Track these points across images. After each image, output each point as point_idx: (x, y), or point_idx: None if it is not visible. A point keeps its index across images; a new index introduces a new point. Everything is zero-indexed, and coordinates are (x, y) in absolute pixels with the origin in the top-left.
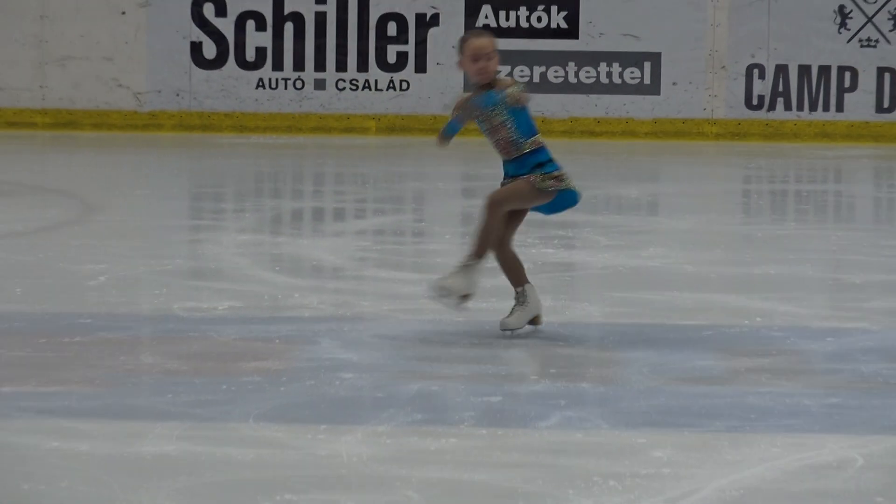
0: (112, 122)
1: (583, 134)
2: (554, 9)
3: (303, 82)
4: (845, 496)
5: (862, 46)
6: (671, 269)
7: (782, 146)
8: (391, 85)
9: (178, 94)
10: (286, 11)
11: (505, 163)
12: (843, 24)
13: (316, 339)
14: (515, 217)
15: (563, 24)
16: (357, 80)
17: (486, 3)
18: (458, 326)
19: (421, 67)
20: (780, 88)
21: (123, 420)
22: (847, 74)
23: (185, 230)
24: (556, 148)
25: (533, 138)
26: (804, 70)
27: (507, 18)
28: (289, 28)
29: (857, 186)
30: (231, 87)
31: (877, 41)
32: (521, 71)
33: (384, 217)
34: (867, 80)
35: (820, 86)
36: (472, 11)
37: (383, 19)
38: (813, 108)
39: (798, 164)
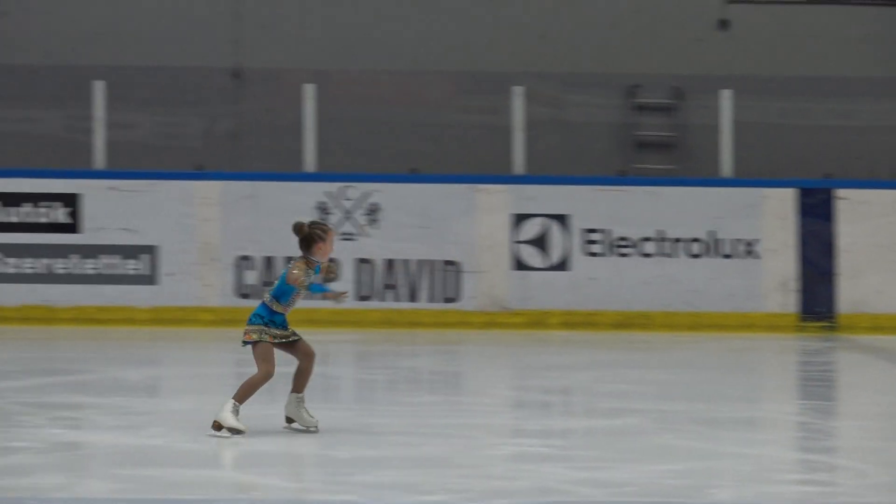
0: None
1: (87, 321)
2: (57, 205)
3: None
4: None
5: (343, 240)
6: (171, 448)
7: None
8: None
9: None
10: None
11: (280, 315)
12: (323, 220)
13: None
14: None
15: (67, 220)
16: None
17: None
18: None
19: None
20: (268, 278)
21: None
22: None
23: None
24: (62, 334)
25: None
26: (289, 261)
27: (14, 214)
28: None
29: (340, 369)
30: None
31: (355, 235)
32: (29, 263)
33: None
34: (347, 270)
35: None
36: None
37: None
38: None
39: None
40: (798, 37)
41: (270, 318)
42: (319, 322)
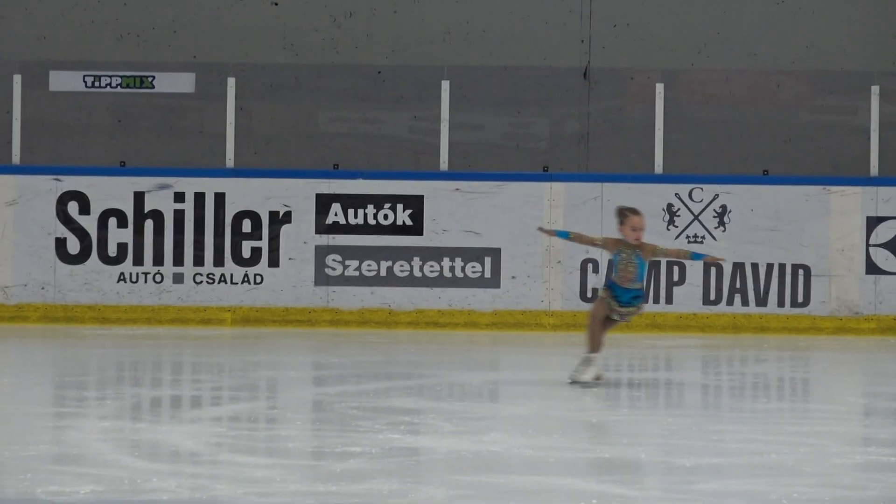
0: None
1: (427, 325)
2: (399, 207)
3: (162, 276)
4: None
5: (689, 242)
6: (511, 454)
7: (615, 336)
8: (246, 279)
9: (43, 288)
10: (146, 209)
11: (618, 287)
12: (671, 222)
13: None
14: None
15: (409, 222)
16: (213, 274)
17: (336, 201)
18: None
19: (274, 262)
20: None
21: None
22: (675, 268)
23: (48, 417)
24: (402, 338)
25: (643, 281)
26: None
27: (356, 216)
28: (149, 225)
29: (685, 374)
30: (94, 280)
31: (703, 237)
32: (369, 265)
33: (239, 404)
34: (694, 274)
35: (650, 278)
36: (322, 209)
37: (238, 217)
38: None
39: (630, 353)
40: None
41: (610, 284)
42: (664, 327)
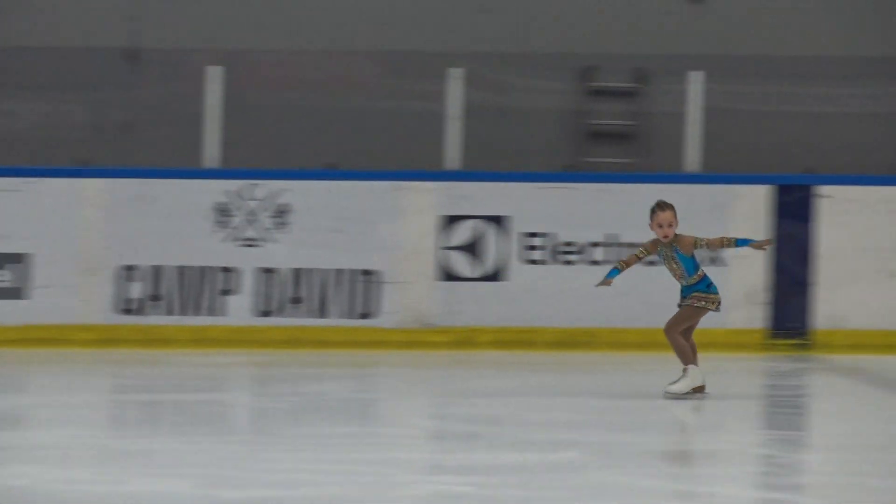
0: None
1: None
2: None
3: None
4: None
5: (244, 246)
6: (37, 489)
7: (157, 352)
8: None
9: None
10: None
11: (682, 287)
12: (223, 223)
13: None
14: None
15: None
16: None
17: None
18: None
19: None
20: (155, 291)
21: None
22: (221, 276)
23: None
24: None
25: (696, 274)
26: (181, 271)
27: None
28: None
29: (234, 395)
30: None
31: (261, 241)
32: None
33: None
34: (246, 282)
35: (198, 288)
36: None
37: None
38: (190, 311)
39: (172, 372)
40: (778, 12)
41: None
42: (212, 342)
